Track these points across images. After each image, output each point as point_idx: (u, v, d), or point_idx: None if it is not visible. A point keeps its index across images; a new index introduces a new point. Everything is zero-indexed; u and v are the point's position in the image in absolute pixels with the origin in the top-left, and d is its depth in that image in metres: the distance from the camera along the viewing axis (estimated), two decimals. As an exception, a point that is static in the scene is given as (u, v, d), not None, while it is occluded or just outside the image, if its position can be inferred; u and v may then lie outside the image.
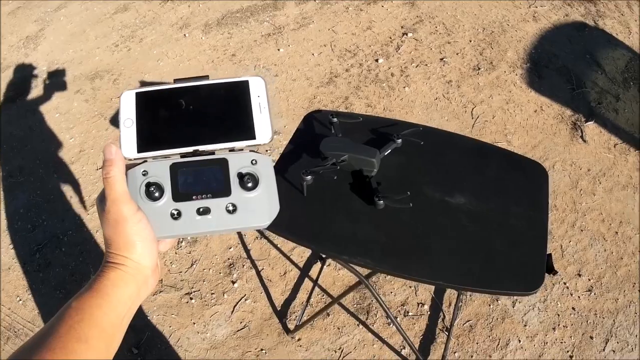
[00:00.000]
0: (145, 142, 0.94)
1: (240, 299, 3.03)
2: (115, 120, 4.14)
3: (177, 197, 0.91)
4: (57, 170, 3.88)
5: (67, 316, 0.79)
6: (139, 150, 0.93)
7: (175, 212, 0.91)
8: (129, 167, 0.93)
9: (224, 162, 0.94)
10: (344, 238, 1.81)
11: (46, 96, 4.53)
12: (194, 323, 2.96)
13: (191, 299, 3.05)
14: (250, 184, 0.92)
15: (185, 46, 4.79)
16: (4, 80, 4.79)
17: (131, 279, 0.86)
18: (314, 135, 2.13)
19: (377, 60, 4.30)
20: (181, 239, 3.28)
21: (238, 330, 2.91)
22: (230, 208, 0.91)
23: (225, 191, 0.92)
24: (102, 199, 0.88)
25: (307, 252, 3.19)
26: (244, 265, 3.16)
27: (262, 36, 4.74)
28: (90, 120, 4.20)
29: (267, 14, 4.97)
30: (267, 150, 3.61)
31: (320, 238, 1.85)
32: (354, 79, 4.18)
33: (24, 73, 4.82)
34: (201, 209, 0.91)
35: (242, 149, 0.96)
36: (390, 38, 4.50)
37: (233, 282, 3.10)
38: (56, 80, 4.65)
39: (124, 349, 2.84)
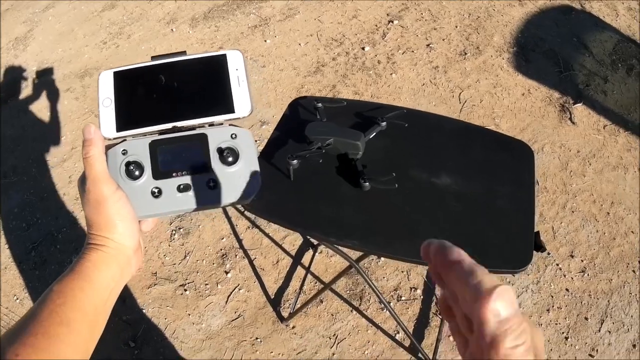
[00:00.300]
0: (124, 120, 0.93)
1: (234, 289, 3.03)
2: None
3: (157, 175, 0.91)
4: (50, 169, 3.89)
5: (49, 300, 0.79)
6: (118, 129, 0.92)
7: (156, 190, 0.90)
8: (109, 147, 0.92)
9: (203, 137, 0.93)
10: (331, 220, 1.82)
11: (37, 96, 4.54)
12: (189, 314, 2.97)
13: (185, 290, 3.06)
14: (230, 159, 0.91)
15: (173, 41, 4.79)
16: (-5, 82, 4.80)
17: (113, 260, 0.85)
18: (299, 121, 2.13)
19: (363, 49, 4.31)
20: (173, 225, 3.29)
21: (233, 320, 2.92)
22: (211, 184, 0.91)
23: (206, 167, 0.91)
24: (83, 180, 0.87)
25: (299, 240, 3.19)
26: (236, 255, 3.17)
27: (248, 28, 4.75)
28: (81, 118, 4.20)
29: (253, 6, 4.97)
30: (256, 140, 3.62)
31: (308, 221, 1.85)
32: (341, 68, 4.19)
33: (14, 74, 4.82)
34: (182, 186, 0.90)
35: (221, 124, 0.96)
36: (376, 26, 4.51)
37: (226, 273, 3.10)
38: (46, 80, 4.65)
39: (120, 342, 2.87)
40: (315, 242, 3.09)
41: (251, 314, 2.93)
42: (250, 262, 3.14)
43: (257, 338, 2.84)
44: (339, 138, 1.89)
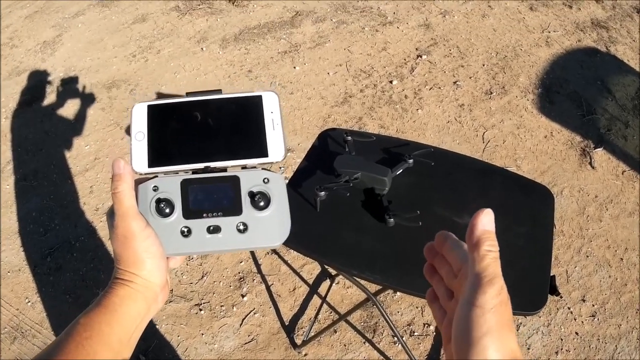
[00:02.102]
0: (157, 156, 0.93)
1: (249, 313, 3.04)
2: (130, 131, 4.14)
3: (188, 214, 0.90)
4: (71, 176, 3.91)
5: (75, 332, 0.80)
6: (150, 165, 0.93)
7: (186, 230, 0.89)
8: (140, 181, 0.92)
9: (235, 180, 0.92)
10: (353, 253, 1.84)
11: (62, 102, 4.56)
12: (202, 334, 2.98)
13: (200, 310, 3.07)
14: (261, 203, 0.90)
15: (203, 60, 4.81)
16: (20, 83, 4.82)
17: (140, 296, 0.85)
18: (328, 153, 2.16)
19: (391, 82, 4.32)
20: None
21: (246, 343, 2.93)
22: (241, 227, 0.89)
23: (236, 210, 0.90)
24: (111, 214, 0.86)
25: (317, 269, 3.20)
26: (254, 280, 3.18)
27: (278, 53, 4.77)
28: (106, 129, 4.23)
29: (284, 31, 5.00)
30: (280, 167, 3.60)
31: (330, 252, 1.88)
32: (368, 100, 4.20)
33: (40, 78, 4.84)
34: (211, 227, 0.89)
35: (254, 167, 0.95)
36: (405, 60, 4.53)
37: (243, 296, 3.11)
38: (73, 87, 4.68)
39: (131, 355, 2.86)
40: (333, 272, 3.09)
41: (264, 339, 2.93)
42: (267, 287, 3.15)
43: (268, 363, 2.85)
44: (366, 173, 1.91)
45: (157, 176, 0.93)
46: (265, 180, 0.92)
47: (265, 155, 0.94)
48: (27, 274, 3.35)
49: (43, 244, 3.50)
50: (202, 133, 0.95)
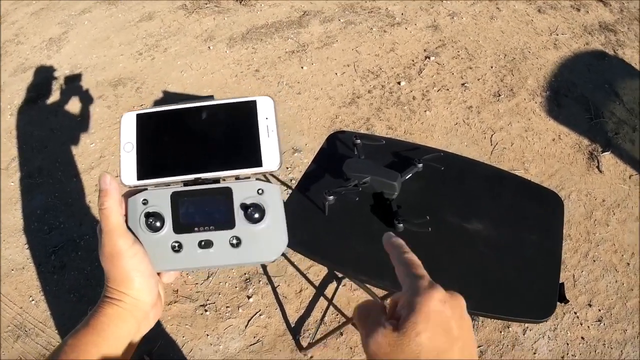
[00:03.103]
0: (146, 168, 0.89)
1: (255, 314, 3.04)
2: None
3: (178, 228, 0.87)
4: (77, 174, 3.91)
5: (63, 354, 0.78)
6: (139, 177, 0.88)
7: (176, 245, 0.86)
8: (130, 193, 0.89)
9: (227, 192, 0.88)
10: (362, 259, 1.83)
11: (68, 99, 4.56)
12: (208, 335, 2.98)
13: (206, 311, 3.07)
14: (256, 216, 0.86)
15: (209, 59, 4.82)
16: (26, 80, 4.83)
17: (129, 315, 0.84)
18: (337, 156, 2.15)
19: (399, 83, 4.32)
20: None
21: (251, 345, 2.92)
22: (234, 242, 0.86)
23: (229, 223, 0.87)
24: (100, 231, 0.84)
25: (323, 271, 3.19)
26: (260, 281, 3.18)
27: (286, 53, 4.77)
28: (111, 127, 4.23)
29: (291, 30, 5.01)
30: (287, 167, 3.63)
31: (339, 257, 1.87)
32: (376, 101, 4.20)
33: (46, 75, 4.85)
34: (203, 242, 0.86)
35: (248, 177, 0.91)
36: (413, 61, 4.52)
37: (248, 297, 3.11)
38: (78, 85, 4.68)
39: (134, 355, 2.85)
40: (339, 274, 3.08)
41: (270, 340, 2.93)
42: (274, 288, 3.14)
43: (274, 364, 2.85)
44: (376, 177, 1.90)
45: (146, 189, 0.90)
46: (260, 192, 0.88)
47: (259, 164, 0.89)
48: (32, 272, 3.35)
49: (47, 242, 3.50)
50: (193, 142, 0.91)
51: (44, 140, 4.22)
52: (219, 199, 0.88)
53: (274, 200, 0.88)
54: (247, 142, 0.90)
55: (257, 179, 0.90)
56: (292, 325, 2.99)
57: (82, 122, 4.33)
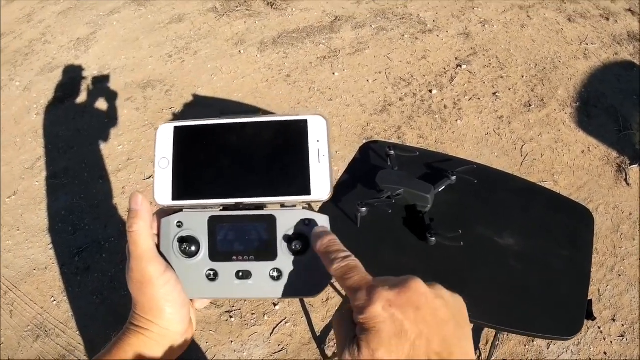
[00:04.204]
0: (183, 188, 0.83)
1: (281, 322, 3.03)
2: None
3: (215, 256, 0.81)
4: (103, 176, 3.93)
5: None
6: (175, 198, 0.83)
7: (212, 273, 0.81)
8: (163, 213, 0.84)
9: (271, 220, 0.81)
10: (392, 270, 1.80)
11: (95, 100, 4.57)
12: (232, 341, 2.97)
13: (231, 317, 3.06)
14: (300, 248, 0.79)
15: (240, 63, 4.81)
16: (53, 80, 4.85)
17: (156, 346, 0.78)
18: (370, 166, 2.15)
19: (430, 91, 4.30)
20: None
21: (275, 352, 2.91)
22: (275, 274, 0.80)
23: (271, 254, 0.80)
24: (127, 252, 0.78)
25: (352, 281, 3.15)
26: (287, 289, 3.14)
27: (317, 58, 4.76)
28: (140, 129, 4.23)
29: (323, 36, 4.99)
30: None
31: (369, 271, 1.84)
32: (408, 109, 4.18)
33: (73, 75, 4.87)
34: (241, 273, 0.80)
35: (294, 205, 0.82)
36: (445, 69, 4.51)
37: (274, 305, 3.10)
38: (107, 86, 4.70)
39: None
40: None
41: (295, 349, 2.92)
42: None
43: (298, 373, 2.83)
44: (409, 189, 1.90)
45: (182, 210, 0.84)
46: (306, 222, 0.80)
47: (308, 192, 0.80)
48: (54, 272, 3.36)
49: (72, 243, 3.51)
50: (235, 162, 0.83)
51: (70, 140, 4.22)
52: (261, 227, 0.81)
53: None
54: (296, 167, 0.82)
55: (304, 208, 0.83)
56: (318, 334, 2.97)
57: (109, 123, 4.34)
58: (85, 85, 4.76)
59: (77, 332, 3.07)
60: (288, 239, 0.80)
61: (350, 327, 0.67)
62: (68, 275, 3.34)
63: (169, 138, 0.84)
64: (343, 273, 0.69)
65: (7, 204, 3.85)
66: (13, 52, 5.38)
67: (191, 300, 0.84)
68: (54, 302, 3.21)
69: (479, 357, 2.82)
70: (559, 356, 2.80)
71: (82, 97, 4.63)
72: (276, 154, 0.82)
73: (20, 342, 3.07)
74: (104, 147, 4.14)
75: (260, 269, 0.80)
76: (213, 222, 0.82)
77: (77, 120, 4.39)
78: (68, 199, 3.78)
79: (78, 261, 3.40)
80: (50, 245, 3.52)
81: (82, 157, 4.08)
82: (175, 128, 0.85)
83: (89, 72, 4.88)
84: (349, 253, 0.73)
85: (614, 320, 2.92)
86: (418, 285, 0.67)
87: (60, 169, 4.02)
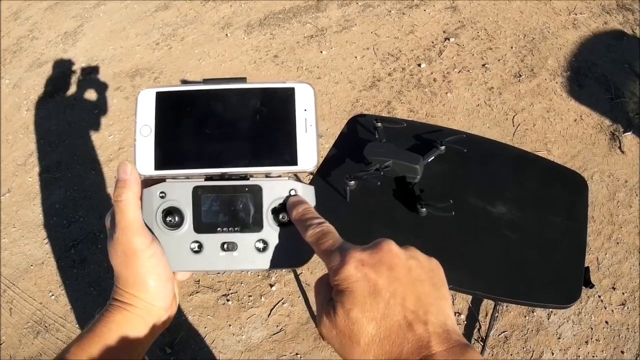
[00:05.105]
0: (165, 157, 0.80)
1: (278, 303, 3.03)
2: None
3: (200, 227, 0.79)
4: (95, 167, 3.92)
5: None
6: (157, 167, 0.79)
7: (196, 245, 0.79)
8: (145, 184, 0.80)
9: (257, 191, 0.79)
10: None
11: (85, 92, 4.57)
12: (230, 325, 2.97)
13: (228, 300, 3.06)
14: (286, 219, 0.78)
15: (227, 46, 4.81)
16: (42, 75, 4.84)
17: (140, 321, 0.77)
18: (357, 140, 2.14)
19: (419, 65, 4.29)
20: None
21: (274, 334, 2.91)
22: (260, 246, 0.79)
23: (256, 225, 0.79)
24: (112, 221, 0.76)
25: (347, 259, 3.15)
26: (282, 269, 3.15)
27: (304, 38, 4.75)
28: (130, 118, 4.22)
29: (309, 15, 4.97)
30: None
31: (361, 243, 1.83)
32: (397, 84, 4.17)
33: (62, 68, 4.86)
34: (226, 245, 0.79)
35: (280, 175, 0.81)
36: (433, 43, 4.49)
37: (271, 286, 3.10)
38: (95, 77, 4.69)
39: (156, 347, 2.86)
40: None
41: (293, 329, 2.92)
42: (296, 276, 3.12)
43: (297, 354, 2.84)
44: (397, 161, 1.89)
45: (164, 180, 0.81)
46: (292, 192, 0.80)
47: (294, 162, 0.79)
48: (51, 267, 3.36)
49: (67, 236, 3.51)
50: (220, 130, 0.81)
51: (61, 134, 4.23)
52: (247, 198, 0.80)
53: (309, 202, 0.80)
54: (283, 136, 0.80)
55: (290, 178, 0.82)
56: (316, 314, 2.93)
57: (99, 114, 4.34)
58: (74, 78, 4.75)
59: (77, 326, 3.07)
60: (274, 210, 0.79)
61: (327, 290, 0.67)
62: (65, 269, 3.34)
63: (151, 104, 0.80)
64: (317, 238, 0.70)
65: (1, 201, 3.85)
66: (1, 51, 5.37)
67: (174, 273, 0.82)
68: (52, 297, 3.21)
69: (478, 329, 2.81)
70: (559, 326, 2.80)
71: (71, 90, 4.63)
72: (263, 123, 0.80)
73: (21, 339, 3.07)
74: (95, 138, 4.14)
75: (246, 240, 0.79)
76: (197, 192, 0.80)
77: (68, 114, 4.39)
78: (62, 192, 3.78)
79: (74, 254, 3.40)
80: (46, 240, 3.52)
81: (74, 150, 4.08)
82: (158, 94, 0.81)
83: (78, 65, 4.87)
84: (322, 220, 0.73)
85: (614, 288, 2.91)
86: (391, 247, 0.67)
87: (52, 163, 4.02)
